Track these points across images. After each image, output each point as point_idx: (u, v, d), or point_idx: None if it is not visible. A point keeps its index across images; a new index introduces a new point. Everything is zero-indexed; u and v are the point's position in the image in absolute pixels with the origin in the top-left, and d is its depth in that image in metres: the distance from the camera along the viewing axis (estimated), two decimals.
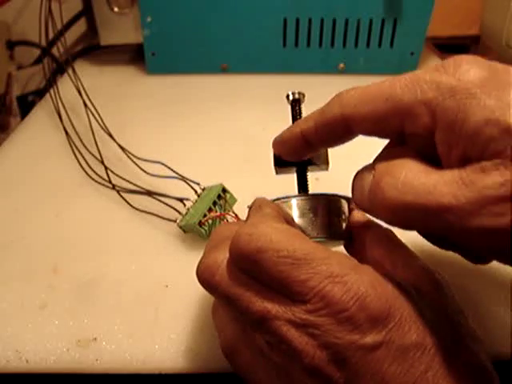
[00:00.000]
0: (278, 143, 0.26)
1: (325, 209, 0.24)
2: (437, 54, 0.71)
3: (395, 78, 0.20)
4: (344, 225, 0.25)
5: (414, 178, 0.19)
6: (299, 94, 0.27)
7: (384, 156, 0.21)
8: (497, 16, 0.60)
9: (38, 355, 0.26)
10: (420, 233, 0.22)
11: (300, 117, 0.27)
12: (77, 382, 0.27)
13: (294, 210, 0.24)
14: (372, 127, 0.21)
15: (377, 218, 0.22)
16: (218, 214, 0.33)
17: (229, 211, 0.34)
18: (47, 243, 0.35)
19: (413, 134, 0.20)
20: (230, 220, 0.33)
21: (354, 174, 0.23)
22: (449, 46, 0.75)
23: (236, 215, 0.33)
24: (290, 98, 0.27)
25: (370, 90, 0.21)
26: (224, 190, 0.35)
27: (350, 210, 0.25)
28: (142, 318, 0.29)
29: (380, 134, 0.22)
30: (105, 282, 0.31)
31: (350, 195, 0.25)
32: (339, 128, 0.22)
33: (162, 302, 0.30)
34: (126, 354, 0.26)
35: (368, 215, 0.25)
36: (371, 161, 0.22)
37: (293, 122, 0.27)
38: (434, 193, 0.17)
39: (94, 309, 0.29)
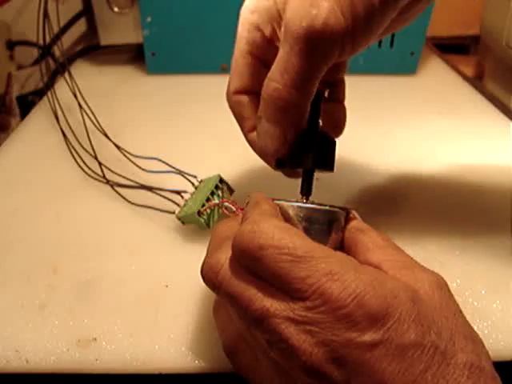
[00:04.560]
0: None
1: (320, 220, 0.24)
2: (437, 53, 0.71)
3: None
4: (338, 237, 0.24)
5: None
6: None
7: None
8: (497, 16, 0.60)
9: (38, 355, 0.26)
10: None
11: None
12: (77, 382, 0.27)
13: (288, 215, 0.24)
14: None
15: None
16: (217, 202, 0.33)
17: (227, 200, 0.34)
18: (47, 243, 0.35)
19: None
20: (228, 208, 0.33)
21: None
22: (449, 46, 0.75)
23: (235, 202, 0.33)
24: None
25: None
26: (221, 181, 0.35)
27: (348, 221, 0.25)
28: (142, 318, 0.29)
29: None
30: (105, 282, 0.31)
31: (347, 206, 0.25)
32: None
33: (162, 302, 0.30)
34: (126, 354, 0.27)
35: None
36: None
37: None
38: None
39: (94, 309, 0.29)
